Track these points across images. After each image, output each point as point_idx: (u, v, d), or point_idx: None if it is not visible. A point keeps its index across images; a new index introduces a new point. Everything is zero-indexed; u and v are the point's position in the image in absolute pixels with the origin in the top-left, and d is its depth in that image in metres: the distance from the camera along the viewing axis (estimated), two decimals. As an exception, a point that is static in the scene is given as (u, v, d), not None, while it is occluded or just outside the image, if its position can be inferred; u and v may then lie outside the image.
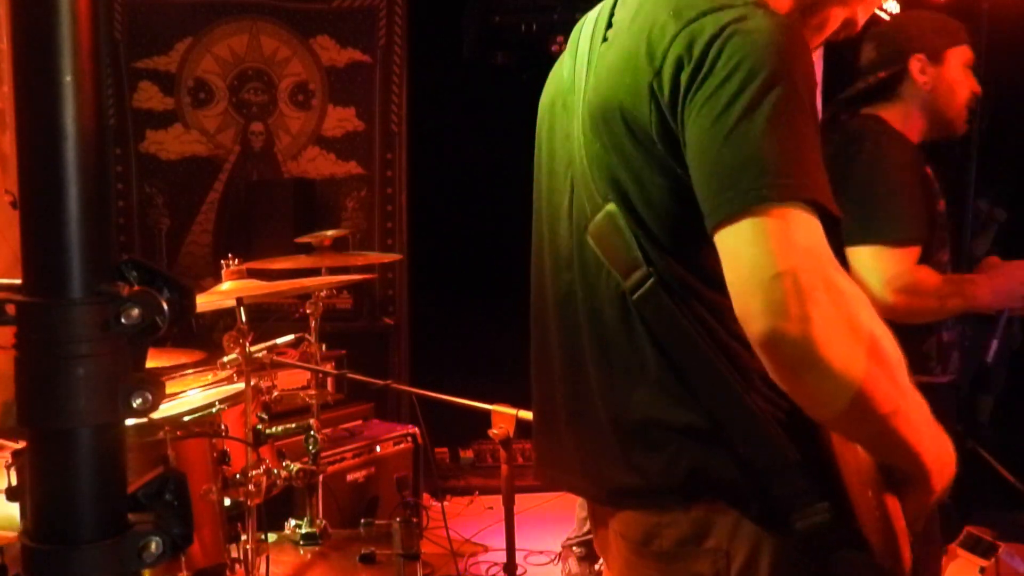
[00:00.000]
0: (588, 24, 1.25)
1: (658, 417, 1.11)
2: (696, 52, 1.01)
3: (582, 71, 1.20)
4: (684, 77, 1.02)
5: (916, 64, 2.07)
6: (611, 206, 1.11)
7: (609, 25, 1.19)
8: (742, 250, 0.96)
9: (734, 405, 1.05)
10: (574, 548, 3.50)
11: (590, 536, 3.44)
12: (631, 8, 1.17)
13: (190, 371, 2.81)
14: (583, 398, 1.20)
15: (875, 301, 1.78)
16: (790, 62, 0.99)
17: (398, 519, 2.89)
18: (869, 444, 1.06)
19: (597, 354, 1.17)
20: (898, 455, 1.05)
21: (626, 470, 1.15)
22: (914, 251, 1.90)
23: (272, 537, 2.78)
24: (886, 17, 3.70)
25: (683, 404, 1.09)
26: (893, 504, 1.09)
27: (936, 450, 1.06)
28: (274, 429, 2.62)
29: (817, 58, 3.37)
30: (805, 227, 0.95)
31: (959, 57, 2.10)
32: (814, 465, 1.05)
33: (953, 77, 2.09)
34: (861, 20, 1.25)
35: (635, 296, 1.09)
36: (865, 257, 1.88)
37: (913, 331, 2.04)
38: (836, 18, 1.23)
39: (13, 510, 1.79)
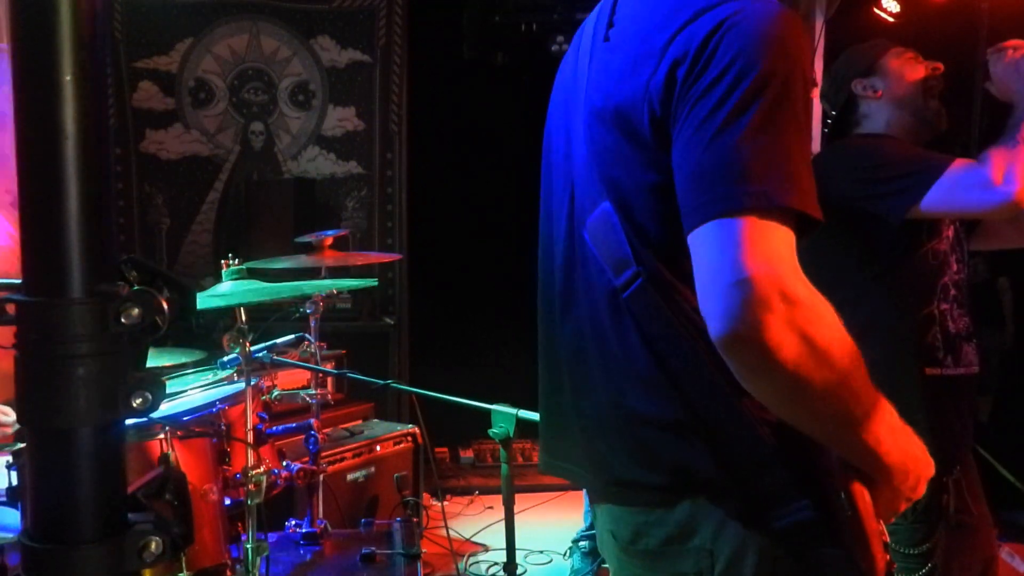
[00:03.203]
0: (590, 23, 1.27)
1: (645, 413, 1.13)
2: (692, 50, 1.02)
3: (584, 70, 1.22)
4: (680, 75, 1.03)
5: (858, 85, 2.20)
6: (606, 204, 1.13)
7: (611, 24, 1.20)
8: (706, 255, 0.99)
9: (719, 403, 1.07)
10: (580, 543, 3.52)
11: (593, 532, 3.46)
12: (631, 8, 1.18)
13: (190, 371, 2.81)
14: (586, 390, 1.22)
15: (1004, 208, 1.84)
16: (782, 59, 1.00)
17: (398, 519, 2.89)
18: (830, 445, 1.09)
19: (596, 348, 1.19)
20: (858, 458, 1.08)
21: (621, 463, 1.17)
22: (960, 161, 1.93)
23: (272, 537, 2.78)
24: (887, 18, 3.71)
25: (669, 401, 1.11)
26: (865, 505, 1.10)
27: (901, 453, 1.08)
28: (274, 429, 2.62)
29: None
30: (770, 235, 0.97)
31: (894, 57, 2.20)
32: (795, 462, 1.07)
33: (898, 71, 2.18)
34: None
35: (625, 294, 1.11)
36: (953, 188, 1.89)
37: (914, 323, 2.04)
38: None
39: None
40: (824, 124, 2.33)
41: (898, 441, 1.08)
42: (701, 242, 0.99)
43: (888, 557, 1.12)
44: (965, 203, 1.90)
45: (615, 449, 1.16)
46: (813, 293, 0.98)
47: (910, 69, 2.17)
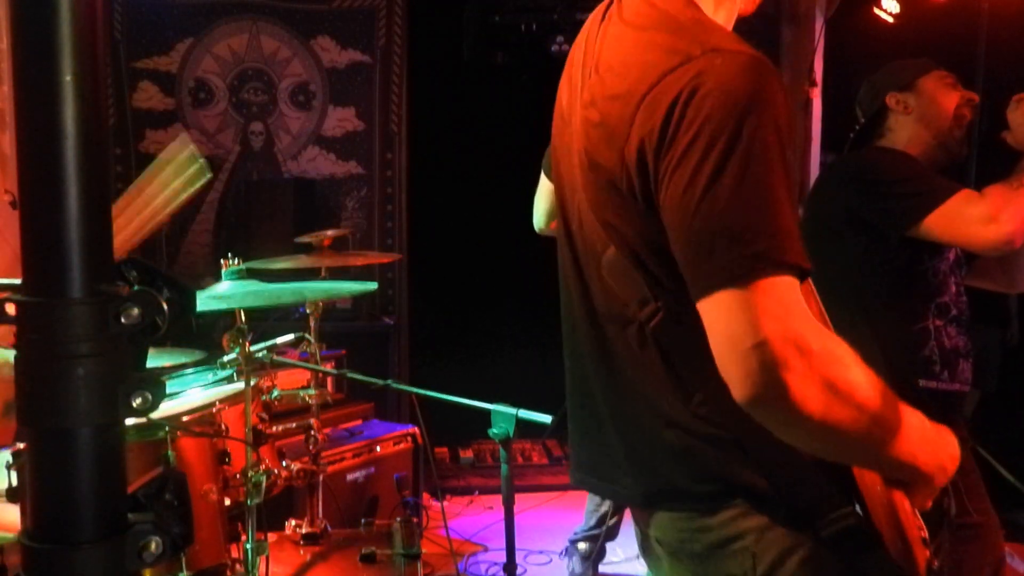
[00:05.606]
0: (582, 38, 1.25)
1: (683, 426, 1.14)
2: (659, 121, 1.02)
3: (575, 99, 1.21)
4: (651, 148, 1.04)
5: (892, 99, 2.24)
6: (614, 249, 1.14)
7: (599, 52, 1.18)
8: (719, 323, 1.00)
9: (751, 424, 1.06)
10: (579, 544, 3.51)
11: (596, 531, 3.46)
12: (609, 48, 1.16)
13: (190, 371, 2.81)
14: (623, 399, 1.23)
15: (997, 245, 1.89)
16: (751, 113, 0.99)
17: (398, 519, 2.89)
18: (870, 468, 1.11)
19: (629, 364, 1.20)
20: (896, 472, 1.10)
21: (666, 468, 1.18)
22: (965, 192, 1.96)
23: (272, 537, 2.78)
24: (887, 18, 3.71)
25: (705, 416, 1.12)
26: (904, 507, 1.12)
27: (934, 455, 1.10)
28: (274, 429, 2.62)
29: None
30: (776, 293, 0.98)
31: (933, 80, 2.24)
32: (836, 470, 1.09)
33: (932, 93, 2.23)
34: None
35: (650, 325, 1.13)
36: (953, 218, 1.93)
37: (909, 336, 2.06)
38: None
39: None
40: (851, 130, 2.36)
41: (928, 444, 1.10)
42: (710, 312, 1.00)
43: (927, 553, 1.14)
44: (962, 234, 1.94)
45: (658, 455, 1.18)
46: (827, 337, 1.00)
47: (944, 94, 2.21)
